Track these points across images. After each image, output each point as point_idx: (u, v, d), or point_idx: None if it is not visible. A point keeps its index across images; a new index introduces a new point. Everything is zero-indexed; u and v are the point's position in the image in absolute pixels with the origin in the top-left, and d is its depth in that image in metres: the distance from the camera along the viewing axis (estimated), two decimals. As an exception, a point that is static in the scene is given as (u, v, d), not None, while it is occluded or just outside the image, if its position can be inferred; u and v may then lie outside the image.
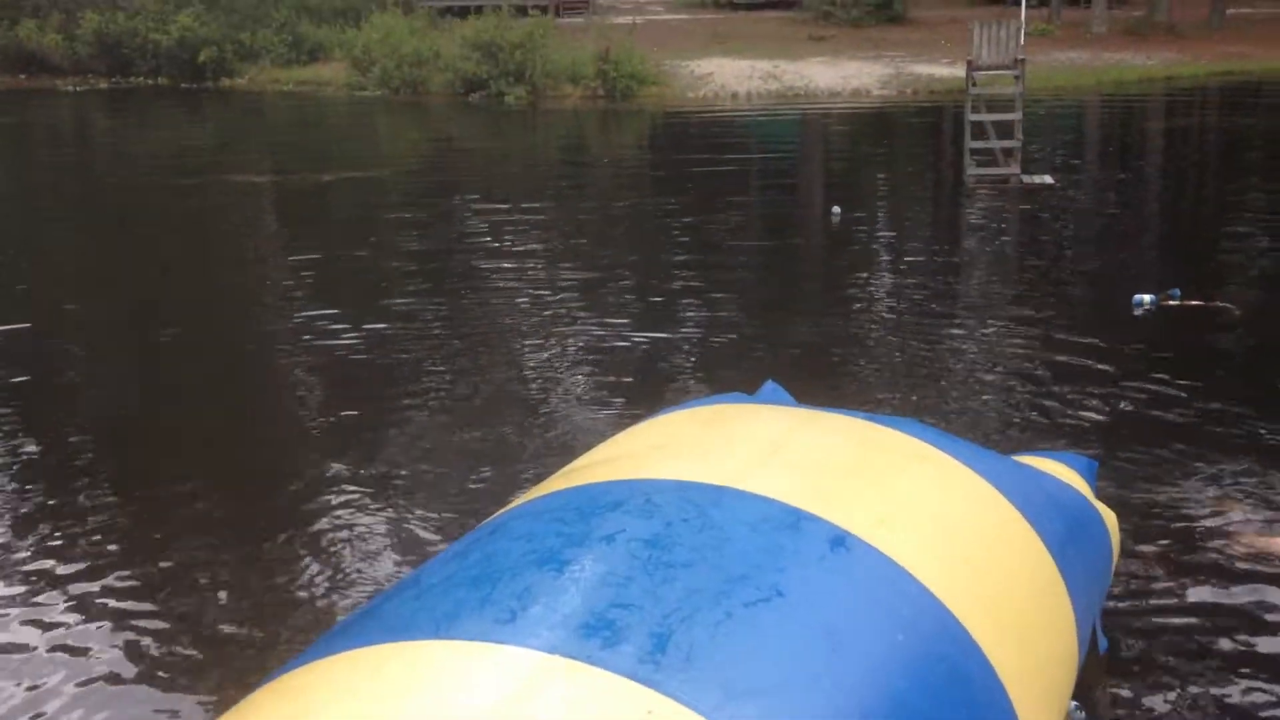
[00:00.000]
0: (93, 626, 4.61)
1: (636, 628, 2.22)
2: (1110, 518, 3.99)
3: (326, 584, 4.88)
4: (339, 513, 5.48)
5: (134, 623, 4.61)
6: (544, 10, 31.17)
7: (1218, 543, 4.95)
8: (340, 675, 2.16)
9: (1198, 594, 4.58)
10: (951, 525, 3.03)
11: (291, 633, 4.48)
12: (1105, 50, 27.19)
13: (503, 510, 3.05)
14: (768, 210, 13.60)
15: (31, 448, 6.54)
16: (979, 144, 13.88)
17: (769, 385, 4.88)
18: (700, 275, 9.95)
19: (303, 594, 4.82)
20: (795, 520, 2.71)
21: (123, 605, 4.76)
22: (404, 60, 26.55)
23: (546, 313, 8.91)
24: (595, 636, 2.18)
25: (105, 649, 4.46)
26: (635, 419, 4.56)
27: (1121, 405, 6.58)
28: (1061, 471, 3.95)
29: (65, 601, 4.79)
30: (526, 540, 2.60)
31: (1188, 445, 5.92)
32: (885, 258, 10.96)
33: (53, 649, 4.47)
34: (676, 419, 3.74)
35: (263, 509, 5.64)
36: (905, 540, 2.78)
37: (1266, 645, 4.26)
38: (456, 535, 3.12)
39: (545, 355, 7.84)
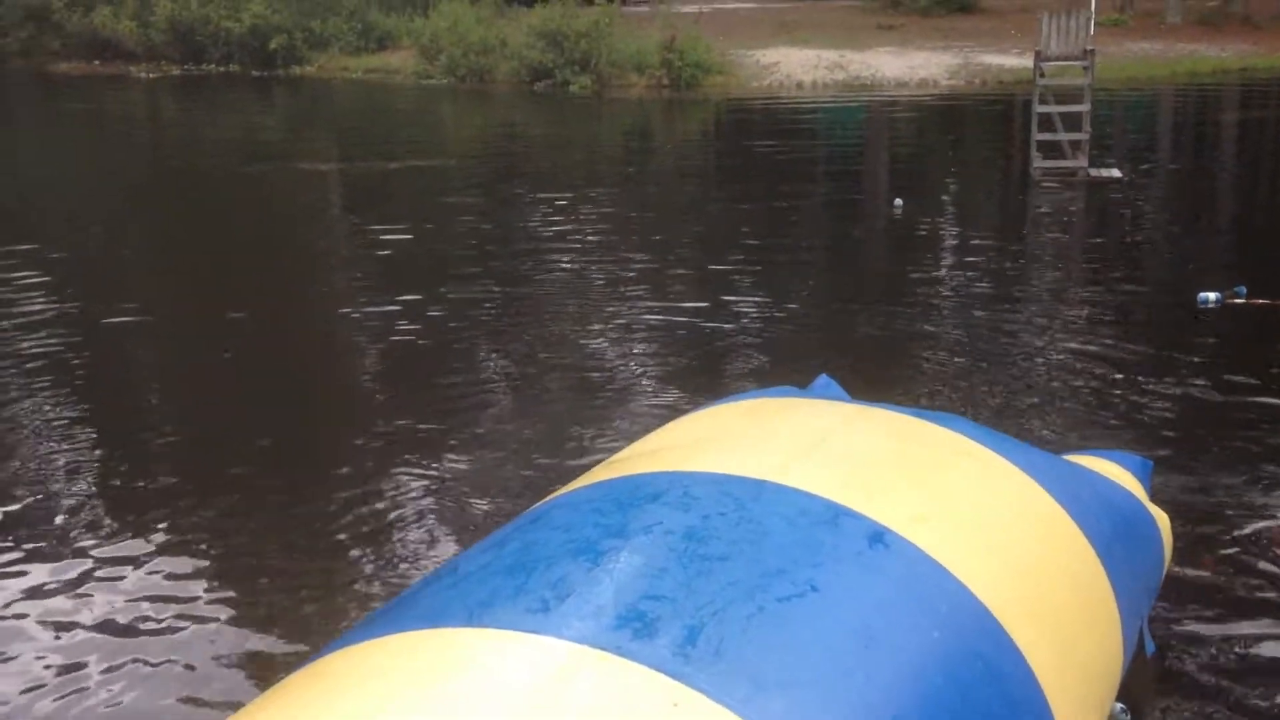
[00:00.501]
0: (133, 604, 4.66)
1: (669, 620, 2.22)
2: (1163, 520, 3.93)
3: (372, 569, 4.93)
4: (388, 499, 5.53)
5: (176, 602, 4.67)
6: (610, -1, 31.22)
7: (1277, 549, 4.86)
8: (372, 660, 2.19)
9: (1253, 601, 4.48)
10: (993, 522, 3.00)
11: (334, 617, 4.52)
12: (1179, 41, 26.73)
13: (544, 500, 3.08)
14: (830, 200, 13.53)
15: (89, 424, 6.66)
16: (1045, 136, 13.70)
17: (822, 379, 4.86)
18: (761, 264, 9.93)
19: (348, 579, 4.86)
20: (834, 516, 2.70)
21: (165, 582, 4.83)
22: (470, 49, 26.74)
23: (605, 299, 8.94)
24: (626, 628, 2.19)
25: (144, 627, 4.51)
26: (691, 408, 4.56)
27: (1182, 405, 6.48)
28: (1113, 471, 3.89)
29: (110, 575, 4.88)
30: (564, 530, 2.61)
31: (1249, 448, 5.81)
32: (947, 250, 10.87)
33: (95, 623, 4.53)
34: (721, 412, 3.74)
35: (312, 491, 5.70)
36: (945, 537, 2.76)
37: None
38: (504, 523, 3.14)
39: (603, 342, 7.87)
